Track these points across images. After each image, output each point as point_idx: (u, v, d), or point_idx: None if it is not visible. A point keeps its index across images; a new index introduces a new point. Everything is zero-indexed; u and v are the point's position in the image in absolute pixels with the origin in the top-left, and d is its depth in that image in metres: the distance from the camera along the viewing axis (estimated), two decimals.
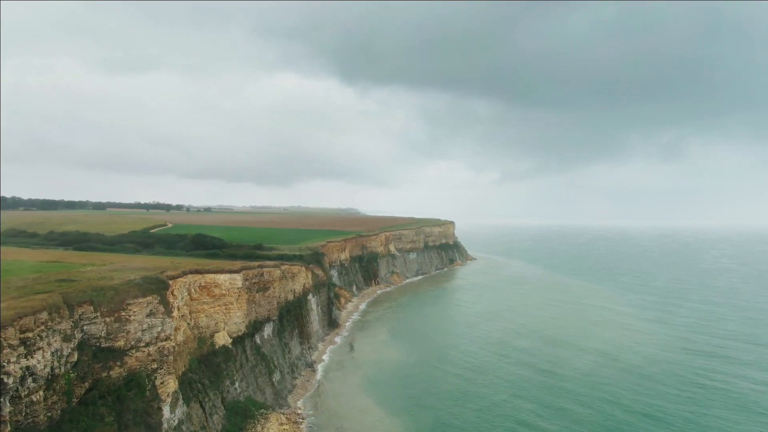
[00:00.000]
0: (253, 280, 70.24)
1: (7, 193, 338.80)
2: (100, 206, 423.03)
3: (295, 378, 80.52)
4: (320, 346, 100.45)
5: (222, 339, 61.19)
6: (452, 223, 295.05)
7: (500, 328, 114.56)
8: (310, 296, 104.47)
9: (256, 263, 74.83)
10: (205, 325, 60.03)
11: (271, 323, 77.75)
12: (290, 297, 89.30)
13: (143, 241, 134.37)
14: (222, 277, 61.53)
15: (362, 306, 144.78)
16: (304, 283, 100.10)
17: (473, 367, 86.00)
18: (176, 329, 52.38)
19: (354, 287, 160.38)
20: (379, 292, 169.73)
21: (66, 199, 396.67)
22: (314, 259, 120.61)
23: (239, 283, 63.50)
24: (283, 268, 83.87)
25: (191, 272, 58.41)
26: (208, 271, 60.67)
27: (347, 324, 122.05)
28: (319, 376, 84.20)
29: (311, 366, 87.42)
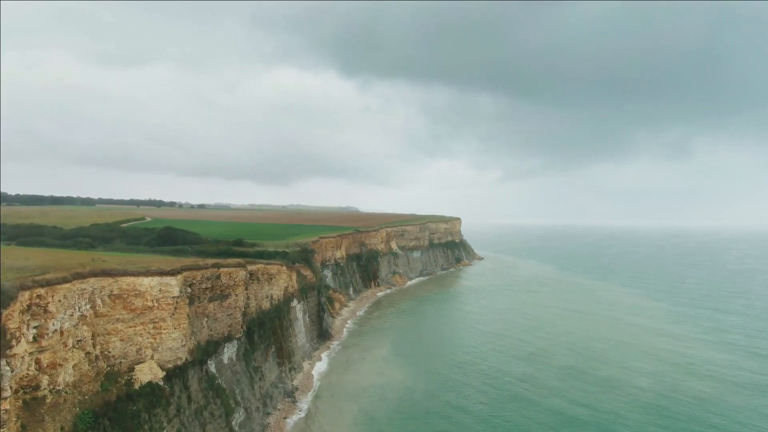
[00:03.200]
0: (203, 285, 50.23)
1: None
2: (89, 202, 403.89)
3: (268, 414, 60.61)
4: (306, 365, 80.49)
5: (147, 373, 41.24)
6: (458, 219, 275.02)
7: (523, 348, 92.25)
8: (294, 302, 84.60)
9: (212, 261, 54.90)
10: (119, 353, 40.09)
11: (234, 342, 57.78)
12: (265, 305, 69.33)
13: (103, 236, 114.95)
14: (147, 282, 41.51)
15: (360, 312, 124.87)
16: (287, 287, 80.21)
17: (496, 410, 65.44)
18: (55, 366, 32.58)
19: (351, 290, 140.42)
20: (379, 294, 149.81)
21: (60, 195, 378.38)
22: (302, 257, 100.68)
23: (175, 290, 43.46)
24: (253, 268, 63.84)
25: (95, 274, 38.46)
26: (126, 273, 40.66)
27: (342, 335, 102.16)
28: (302, 410, 64.28)
29: (292, 395, 67.42)
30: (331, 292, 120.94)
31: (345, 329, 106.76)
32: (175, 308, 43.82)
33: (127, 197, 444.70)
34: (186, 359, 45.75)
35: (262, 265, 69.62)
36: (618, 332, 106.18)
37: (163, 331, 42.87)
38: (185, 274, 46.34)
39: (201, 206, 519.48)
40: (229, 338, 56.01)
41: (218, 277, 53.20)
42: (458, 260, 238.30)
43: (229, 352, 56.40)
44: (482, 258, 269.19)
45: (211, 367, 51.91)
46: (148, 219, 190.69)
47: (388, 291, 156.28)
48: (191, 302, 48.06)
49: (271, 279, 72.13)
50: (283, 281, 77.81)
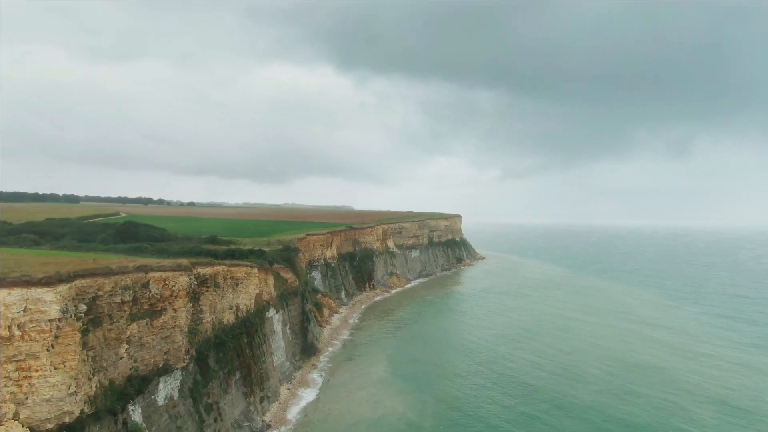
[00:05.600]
0: (118, 299, 34.71)
1: None
2: (73, 199, 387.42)
3: None
4: (284, 391, 65.00)
5: None
6: (459, 216, 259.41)
7: (542, 379, 72.49)
8: (270, 312, 69.19)
9: (140, 262, 39.37)
10: None
11: (177, 374, 42.28)
12: (228, 319, 53.87)
13: (54, 232, 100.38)
14: None
15: (353, 319, 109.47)
16: (259, 293, 64.72)
17: None
18: None
19: (343, 293, 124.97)
20: (375, 298, 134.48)
21: (44, 193, 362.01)
22: (283, 256, 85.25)
23: (53, 310, 27.96)
24: (205, 271, 48.25)
25: None
26: None
27: (331, 348, 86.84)
28: None
29: None
30: (319, 296, 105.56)
31: (335, 341, 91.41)
32: (56, 337, 28.27)
33: (120, 195, 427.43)
34: (82, 412, 30.23)
35: (224, 267, 54.09)
36: (649, 353, 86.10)
37: (33, 373, 27.37)
38: (80, 282, 30.74)
39: (191, 204, 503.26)
40: (166, 370, 40.49)
41: (145, 285, 37.64)
42: (459, 260, 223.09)
43: (166, 388, 40.91)
44: (484, 258, 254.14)
45: (135, 414, 36.42)
46: (123, 215, 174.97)
47: (384, 294, 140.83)
48: (95, 324, 32.51)
49: (236, 285, 56.66)
50: (254, 287, 62.30)
